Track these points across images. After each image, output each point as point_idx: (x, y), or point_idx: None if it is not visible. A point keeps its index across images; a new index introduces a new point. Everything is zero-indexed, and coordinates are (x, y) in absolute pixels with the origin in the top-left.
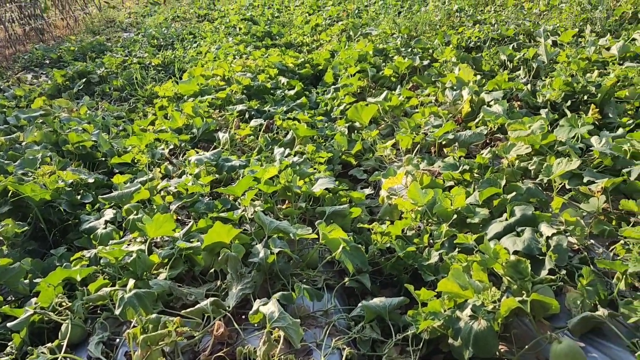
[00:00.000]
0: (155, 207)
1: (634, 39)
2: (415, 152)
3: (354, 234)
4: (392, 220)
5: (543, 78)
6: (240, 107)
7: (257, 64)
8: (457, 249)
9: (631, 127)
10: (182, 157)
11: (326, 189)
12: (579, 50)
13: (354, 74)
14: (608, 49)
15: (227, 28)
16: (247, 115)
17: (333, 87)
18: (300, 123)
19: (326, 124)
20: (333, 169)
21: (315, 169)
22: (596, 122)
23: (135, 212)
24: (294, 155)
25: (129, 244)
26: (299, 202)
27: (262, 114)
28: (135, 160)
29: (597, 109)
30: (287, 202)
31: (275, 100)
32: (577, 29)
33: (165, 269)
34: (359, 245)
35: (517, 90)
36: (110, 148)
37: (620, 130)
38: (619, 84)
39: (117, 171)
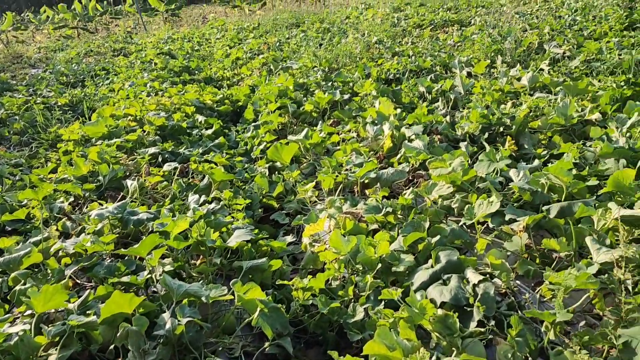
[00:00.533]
0: (49, 271)
1: (541, 69)
2: (338, 192)
3: (275, 289)
4: (316, 270)
5: (461, 109)
6: (152, 149)
7: (172, 101)
8: (383, 303)
9: (546, 157)
10: (87, 209)
11: (244, 240)
12: (492, 81)
13: (274, 111)
14: (519, 79)
15: (142, 63)
16: (160, 159)
17: (253, 124)
18: (217, 166)
19: (246, 165)
20: (253, 214)
21: (233, 217)
22: (513, 154)
23: (23, 280)
24: (211, 202)
25: (13, 322)
26: (214, 257)
27: (177, 156)
28: (31, 216)
29: (513, 141)
30: (201, 257)
31: (191, 141)
32: (489, 60)
33: (56, 349)
34: (279, 306)
35: (436, 123)
36: (2, 203)
37: (536, 162)
38: (531, 114)
39: (9, 229)
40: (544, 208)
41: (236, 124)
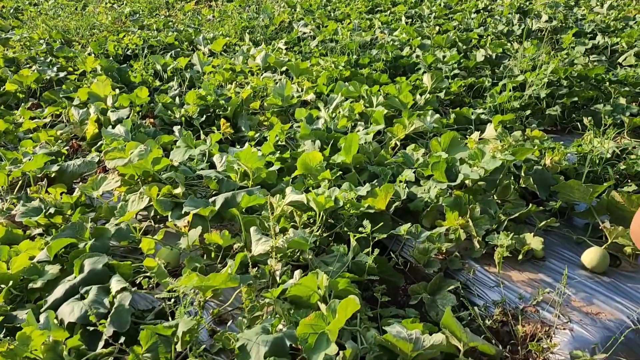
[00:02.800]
0: None
1: (279, 48)
2: (16, 190)
3: None
4: None
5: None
6: None
7: None
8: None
9: (257, 140)
10: None
11: None
12: (223, 59)
13: None
14: (255, 58)
15: None
16: None
17: None
18: None
19: None
20: None
21: None
22: (229, 137)
23: None
24: None
25: None
26: None
27: None
28: None
29: (228, 123)
30: None
31: None
32: (238, 38)
33: None
34: None
35: (155, 106)
36: None
37: (247, 145)
38: (258, 94)
39: None
40: (210, 200)
41: None
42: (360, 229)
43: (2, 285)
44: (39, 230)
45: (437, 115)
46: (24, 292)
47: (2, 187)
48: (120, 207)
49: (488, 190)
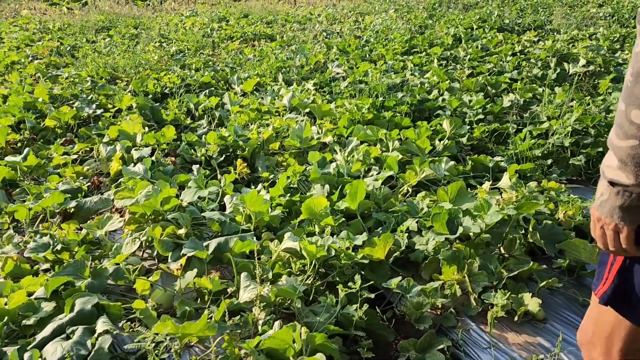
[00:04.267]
0: None
1: (308, 89)
2: (36, 225)
3: None
4: None
5: (225, 127)
6: None
7: None
8: None
9: (271, 181)
10: None
11: None
12: (252, 99)
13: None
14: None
15: None
16: None
17: None
18: None
19: None
20: None
21: None
22: (245, 177)
23: None
24: None
25: None
26: None
27: None
28: None
29: (245, 163)
30: None
31: None
32: (272, 78)
33: None
34: None
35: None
36: None
37: (260, 186)
38: (278, 135)
39: None
40: (205, 244)
41: None
42: (350, 283)
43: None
44: (46, 266)
45: (452, 163)
46: (20, 327)
47: (24, 220)
48: (114, 249)
49: (493, 243)
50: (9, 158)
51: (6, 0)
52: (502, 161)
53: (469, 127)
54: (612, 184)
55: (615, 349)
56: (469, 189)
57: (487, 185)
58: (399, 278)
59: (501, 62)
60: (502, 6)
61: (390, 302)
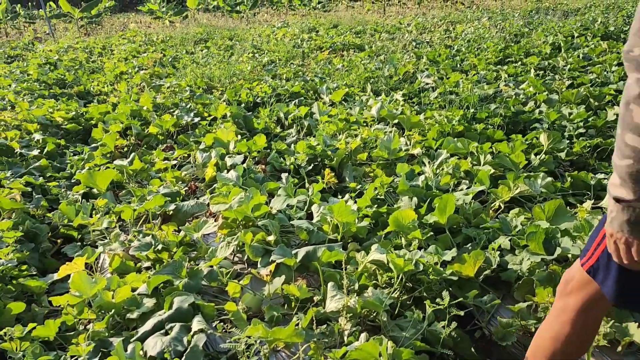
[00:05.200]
0: None
1: (396, 100)
2: (140, 223)
3: None
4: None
5: (314, 137)
6: None
7: (17, 117)
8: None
9: (358, 191)
10: None
11: None
12: (340, 109)
13: (120, 132)
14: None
15: (21, 73)
16: None
17: (93, 145)
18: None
19: (61, 191)
20: (39, 247)
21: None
22: (333, 187)
23: None
24: None
25: None
26: None
27: None
28: None
29: (333, 173)
30: None
31: (11, 162)
32: (360, 88)
33: None
34: None
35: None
36: None
37: (347, 196)
38: (366, 145)
39: None
40: (293, 252)
41: (88, 144)
42: (437, 300)
43: (107, 312)
44: (148, 264)
45: (549, 179)
46: (124, 320)
47: (129, 220)
48: (210, 252)
49: None
50: (117, 162)
51: (117, 15)
52: (605, 179)
53: (568, 141)
54: (617, 200)
55: (575, 299)
56: (567, 207)
57: (588, 204)
58: (491, 296)
59: (605, 73)
60: (607, 13)
61: (478, 321)
